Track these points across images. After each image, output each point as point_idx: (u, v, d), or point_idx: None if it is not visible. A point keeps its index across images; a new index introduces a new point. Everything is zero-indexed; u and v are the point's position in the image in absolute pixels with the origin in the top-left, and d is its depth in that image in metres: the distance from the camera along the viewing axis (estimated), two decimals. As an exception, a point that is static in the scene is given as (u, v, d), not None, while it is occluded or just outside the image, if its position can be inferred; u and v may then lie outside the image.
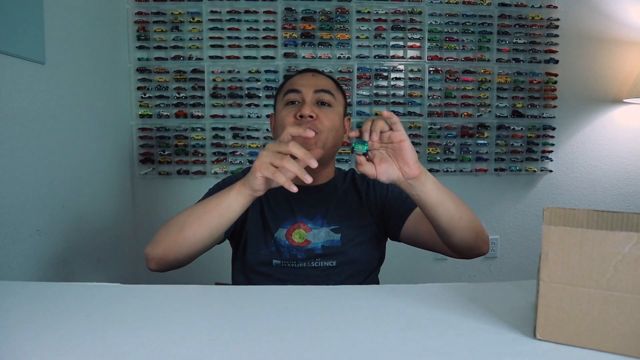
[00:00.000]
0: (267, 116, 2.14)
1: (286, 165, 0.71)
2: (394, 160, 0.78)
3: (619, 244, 0.47)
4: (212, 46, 2.07)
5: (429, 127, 2.17)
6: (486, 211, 2.27)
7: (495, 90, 2.18)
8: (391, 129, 0.76)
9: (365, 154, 0.78)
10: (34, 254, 1.30)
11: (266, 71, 2.09)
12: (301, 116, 0.95)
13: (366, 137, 0.77)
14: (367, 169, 0.78)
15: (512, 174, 2.23)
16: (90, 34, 1.70)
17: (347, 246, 1.00)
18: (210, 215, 0.80)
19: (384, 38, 2.12)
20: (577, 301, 0.49)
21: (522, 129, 2.20)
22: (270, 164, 0.72)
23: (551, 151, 2.22)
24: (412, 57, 2.15)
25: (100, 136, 1.78)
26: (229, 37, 2.07)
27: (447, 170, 2.19)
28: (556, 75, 2.19)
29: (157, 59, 2.07)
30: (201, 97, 2.09)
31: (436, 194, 0.81)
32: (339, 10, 2.10)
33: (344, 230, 1.01)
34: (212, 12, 2.06)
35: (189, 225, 0.81)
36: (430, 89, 2.16)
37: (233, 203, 0.79)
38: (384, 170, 0.78)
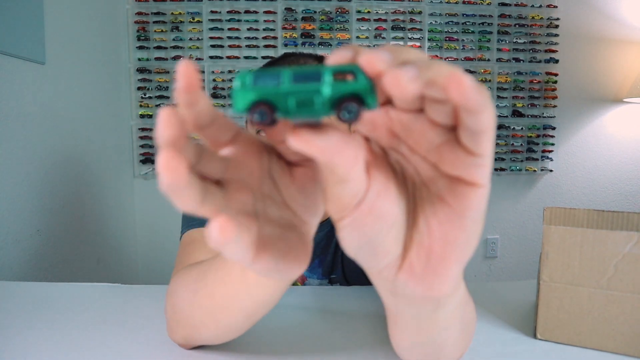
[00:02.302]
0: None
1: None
2: (413, 221, 0.25)
3: (619, 244, 0.47)
4: (212, 46, 2.06)
5: (429, 127, 2.17)
6: (486, 211, 2.26)
7: (496, 89, 2.18)
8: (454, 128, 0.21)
9: (353, 118, 0.19)
10: (34, 254, 1.30)
11: (266, 71, 2.09)
12: None
13: (375, 65, 0.19)
14: (341, 182, 0.21)
15: (512, 174, 2.23)
16: (90, 34, 1.70)
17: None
18: (233, 317, 0.45)
19: (384, 38, 2.12)
20: (578, 301, 0.49)
21: (522, 128, 2.20)
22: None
23: (551, 151, 2.22)
24: (412, 57, 2.15)
25: (100, 136, 1.78)
26: (229, 37, 2.07)
27: (447, 170, 2.18)
28: (556, 75, 2.19)
29: (157, 59, 2.07)
30: (201, 97, 2.08)
31: (443, 327, 0.35)
32: (339, 10, 2.10)
33: (343, 283, 0.80)
34: (212, 12, 2.06)
35: (204, 327, 0.48)
36: (430, 88, 2.16)
37: (260, 295, 0.42)
38: (374, 239, 0.23)
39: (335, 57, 0.21)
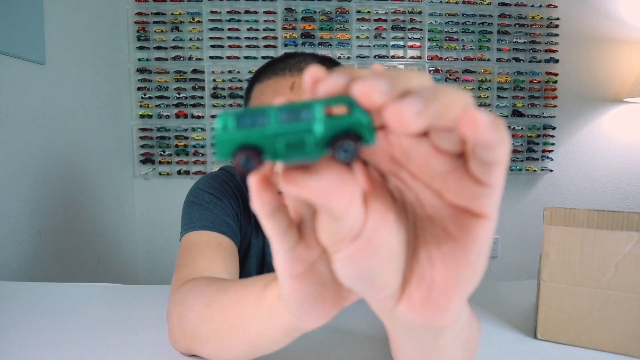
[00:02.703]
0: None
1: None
2: (415, 249, 0.23)
3: (620, 244, 0.47)
4: (212, 46, 2.06)
5: (429, 127, 2.17)
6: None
7: (496, 89, 2.18)
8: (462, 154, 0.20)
9: (350, 158, 0.18)
10: (34, 254, 1.30)
11: (266, 71, 2.09)
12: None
13: (372, 97, 0.16)
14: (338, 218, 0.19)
15: (513, 174, 2.23)
16: (90, 34, 1.70)
17: None
18: (237, 341, 0.44)
19: (384, 38, 2.12)
20: (578, 301, 0.49)
21: (522, 128, 2.20)
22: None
23: (551, 151, 2.21)
24: (412, 57, 2.15)
25: (100, 136, 1.78)
26: (229, 37, 2.07)
27: (447, 170, 2.18)
28: (556, 74, 2.19)
29: (157, 59, 2.07)
30: (201, 97, 2.09)
31: (445, 351, 0.33)
32: (339, 10, 2.09)
33: None
34: (212, 12, 2.06)
35: (207, 343, 0.47)
36: (430, 88, 2.15)
37: (268, 328, 0.38)
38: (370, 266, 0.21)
39: (326, 86, 0.18)
